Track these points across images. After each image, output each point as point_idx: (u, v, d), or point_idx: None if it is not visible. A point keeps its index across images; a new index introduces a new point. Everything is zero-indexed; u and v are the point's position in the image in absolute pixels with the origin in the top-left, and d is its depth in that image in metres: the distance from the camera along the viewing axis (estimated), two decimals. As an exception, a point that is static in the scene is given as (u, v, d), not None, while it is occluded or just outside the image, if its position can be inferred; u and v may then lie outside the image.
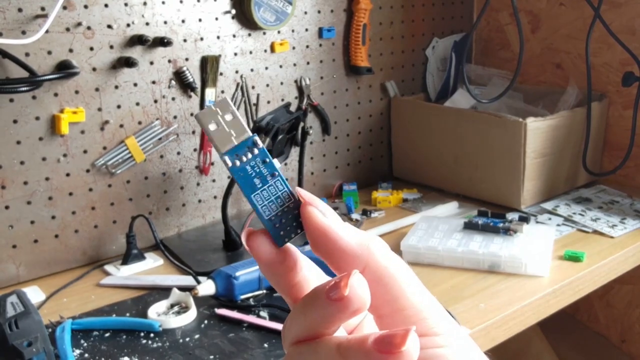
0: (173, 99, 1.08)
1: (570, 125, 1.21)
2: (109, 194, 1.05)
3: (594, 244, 1.04)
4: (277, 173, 0.29)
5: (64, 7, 0.95)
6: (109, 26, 0.99)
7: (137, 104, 1.05)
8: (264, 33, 1.17)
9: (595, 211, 1.15)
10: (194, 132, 1.12)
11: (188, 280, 0.95)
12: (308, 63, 1.24)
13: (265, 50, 1.18)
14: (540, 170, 1.17)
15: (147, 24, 1.03)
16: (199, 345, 0.79)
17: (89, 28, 0.97)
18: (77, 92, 0.98)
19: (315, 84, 1.26)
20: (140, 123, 1.05)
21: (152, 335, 0.82)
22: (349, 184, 1.32)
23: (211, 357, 0.76)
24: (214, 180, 1.16)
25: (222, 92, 1.14)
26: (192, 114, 1.11)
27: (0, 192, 0.95)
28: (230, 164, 0.29)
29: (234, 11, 1.12)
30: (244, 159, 0.29)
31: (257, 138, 0.29)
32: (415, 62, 1.42)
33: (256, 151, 0.29)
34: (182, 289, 0.90)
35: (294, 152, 1.20)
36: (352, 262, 0.27)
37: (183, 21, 1.07)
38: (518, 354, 1.37)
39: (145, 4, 1.02)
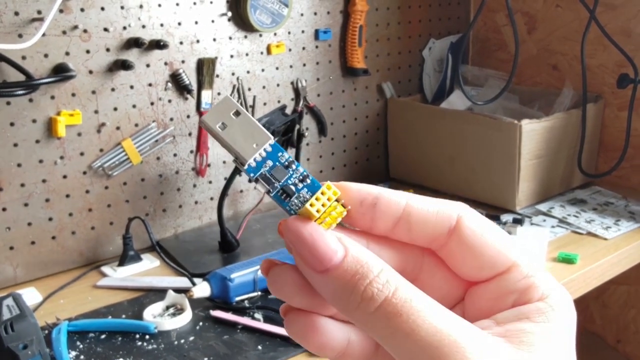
0: (169, 101, 1.09)
1: (566, 127, 1.21)
2: (106, 196, 1.06)
3: (587, 245, 1.04)
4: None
5: (61, 11, 0.95)
6: (106, 29, 1.00)
7: (134, 106, 1.05)
8: (260, 35, 1.17)
9: (590, 213, 1.16)
10: (190, 134, 1.12)
11: (184, 282, 0.96)
12: (304, 65, 1.25)
13: (262, 52, 1.18)
14: (535, 171, 1.18)
15: (144, 26, 1.03)
16: (194, 347, 0.80)
17: (85, 31, 0.98)
18: (73, 94, 0.99)
19: (312, 86, 1.27)
20: (136, 125, 1.06)
21: (147, 337, 0.83)
22: (345, 185, 1.33)
23: (205, 359, 0.77)
24: (210, 182, 1.17)
25: (219, 94, 1.14)
26: (188, 116, 1.11)
27: (-2, 194, 0.96)
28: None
29: (230, 13, 1.12)
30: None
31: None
32: (411, 63, 1.42)
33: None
34: (178, 290, 0.91)
35: (290, 153, 1.21)
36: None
37: (179, 24, 1.07)
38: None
39: (141, 7, 1.03)
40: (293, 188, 0.27)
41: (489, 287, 0.27)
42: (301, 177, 0.27)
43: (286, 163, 0.27)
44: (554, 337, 0.24)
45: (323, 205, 0.26)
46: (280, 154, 0.28)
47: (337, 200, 0.27)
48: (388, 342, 0.24)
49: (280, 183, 0.27)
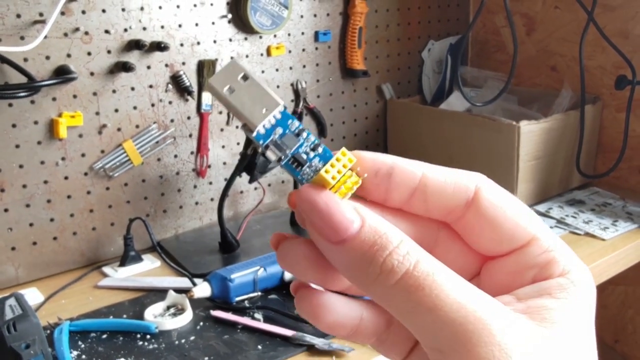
0: (170, 102, 1.10)
1: (564, 128, 1.22)
2: (107, 197, 1.06)
3: (585, 246, 1.05)
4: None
5: (62, 13, 0.96)
6: (107, 31, 1.01)
7: (135, 107, 1.06)
8: (260, 37, 1.18)
9: (588, 213, 1.16)
10: (190, 136, 1.13)
11: (184, 282, 0.96)
12: (304, 66, 1.25)
13: (262, 54, 1.19)
14: (533, 172, 1.19)
15: (144, 28, 1.04)
16: (194, 346, 0.81)
17: (86, 33, 0.99)
18: (75, 96, 1.00)
19: (312, 87, 1.27)
20: (137, 127, 1.07)
21: (148, 336, 0.83)
22: (345, 186, 1.34)
23: (206, 358, 0.78)
24: (210, 183, 1.18)
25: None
26: (189, 117, 1.12)
27: (0, 195, 0.96)
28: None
29: (230, 15, 1.13)
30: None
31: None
32: (411, 64, 1.43)
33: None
34: (178, 291, 0.92)
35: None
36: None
37: (180, 26, 1.08)
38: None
39: (142, 9, 1.03)
40: (304, 157, 0.26)
41: (507, 261, 0.26)
42: (313, 146, 0.26)
43: (296, 131, 0.27)
44: (575, 314, 0.24)
45: (338, 172, 0.25)
46: (290, 121, 0.27)
47: (351, 170, 0.26)
48: (408, 318, 0.23)
49: (291, 151, 0.26)
